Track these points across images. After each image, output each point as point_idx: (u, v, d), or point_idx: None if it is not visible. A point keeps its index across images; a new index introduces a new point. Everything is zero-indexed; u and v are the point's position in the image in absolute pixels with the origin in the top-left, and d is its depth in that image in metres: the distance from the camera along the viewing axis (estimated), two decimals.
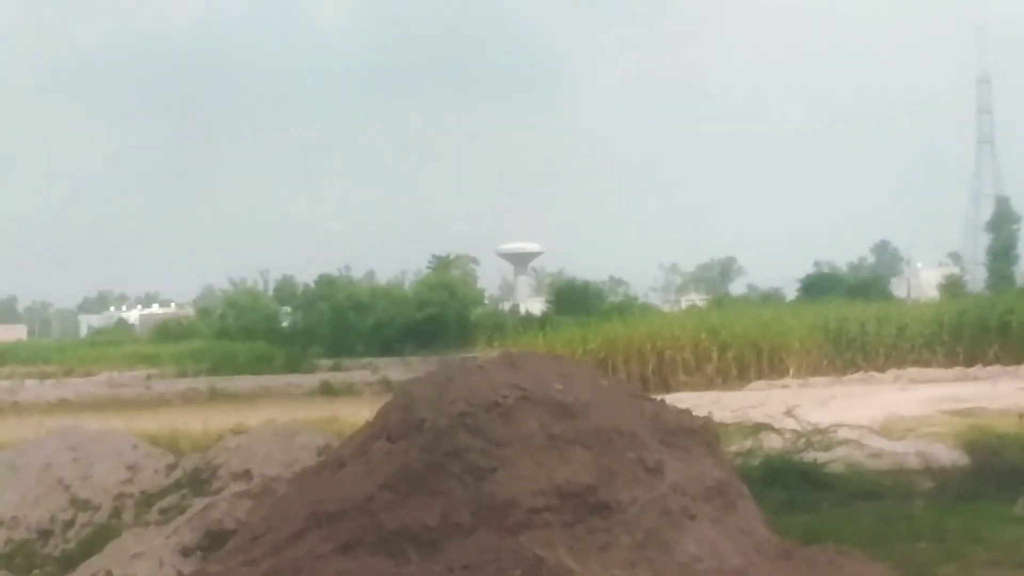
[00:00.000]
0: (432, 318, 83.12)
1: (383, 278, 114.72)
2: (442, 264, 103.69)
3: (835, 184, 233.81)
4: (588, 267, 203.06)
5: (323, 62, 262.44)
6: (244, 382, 54.60)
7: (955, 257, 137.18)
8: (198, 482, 13.21)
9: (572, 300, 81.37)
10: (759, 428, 19.61)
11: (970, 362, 45.17)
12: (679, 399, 19.96)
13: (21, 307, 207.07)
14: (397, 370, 56.41)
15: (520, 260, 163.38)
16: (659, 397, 10.40)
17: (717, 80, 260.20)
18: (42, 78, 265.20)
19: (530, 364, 9.72)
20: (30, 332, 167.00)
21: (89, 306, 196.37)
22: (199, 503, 12.38)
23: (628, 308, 75.36)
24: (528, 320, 78.81)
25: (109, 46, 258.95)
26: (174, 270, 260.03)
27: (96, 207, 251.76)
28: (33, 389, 57.55)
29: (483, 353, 43.34)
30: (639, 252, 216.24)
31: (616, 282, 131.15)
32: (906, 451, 18.77)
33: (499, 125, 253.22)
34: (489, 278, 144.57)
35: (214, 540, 11.44)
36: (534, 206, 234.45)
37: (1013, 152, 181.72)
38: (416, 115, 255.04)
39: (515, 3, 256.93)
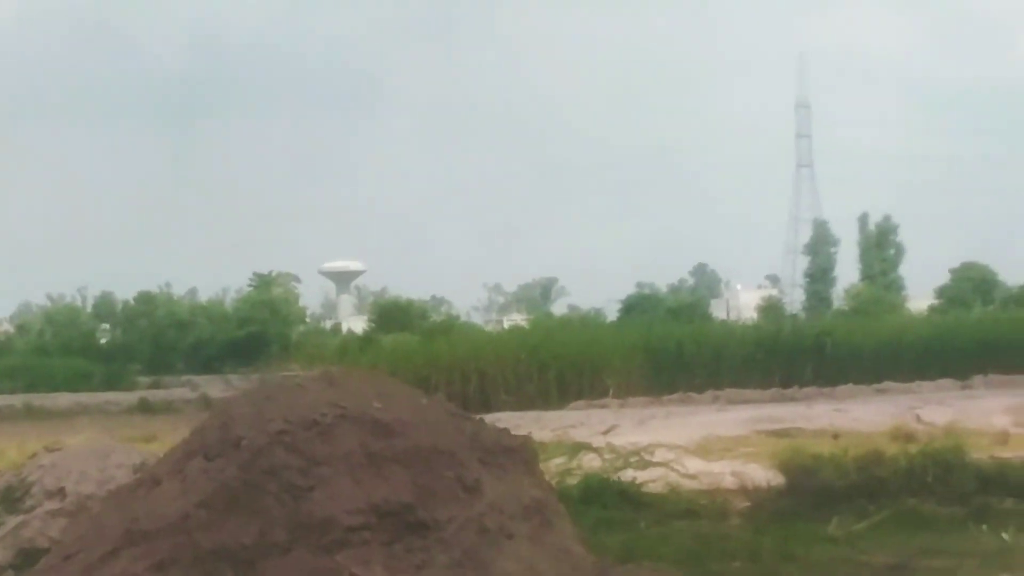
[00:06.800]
0: (253, 336, 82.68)
1: (205, 296, 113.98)
2: (263, 282, 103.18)
3: (656, 206, 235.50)
4: (411, 286, 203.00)
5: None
6: (61, 399, 53.68)
7: (773, 279, 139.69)
8: (10, 500, 12.93)
9: (394, 319, 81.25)
10: (578, 447, 19.65)
11: (787, 383, 45.27)
12: (500, 419, 19.96)
13: None
14: (217, 388, 55.90)
15: (342, 279, 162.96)
16: (479, 416, 10.40)
17: (538, 101, 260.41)
18: None
19: (349, 382, 9.66)
20: None
21: None
22: (11, 521, 12.17)
23: (451, 327, 75.49)
24: (350, 338, 78.68)
25: None
26: None
27: None
28: None
29: (304, 371, 43.12)
30: (462, 271, 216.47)
31: (439, 301, 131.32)
32: (722, 471, 18.99)
33: (318, 144, 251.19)
34: (311, 296, 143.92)
35: (26, 559, 11.26)
36: (356, 225, 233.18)
37: (831, 176, 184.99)
38: (219, 129, 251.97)
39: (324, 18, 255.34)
